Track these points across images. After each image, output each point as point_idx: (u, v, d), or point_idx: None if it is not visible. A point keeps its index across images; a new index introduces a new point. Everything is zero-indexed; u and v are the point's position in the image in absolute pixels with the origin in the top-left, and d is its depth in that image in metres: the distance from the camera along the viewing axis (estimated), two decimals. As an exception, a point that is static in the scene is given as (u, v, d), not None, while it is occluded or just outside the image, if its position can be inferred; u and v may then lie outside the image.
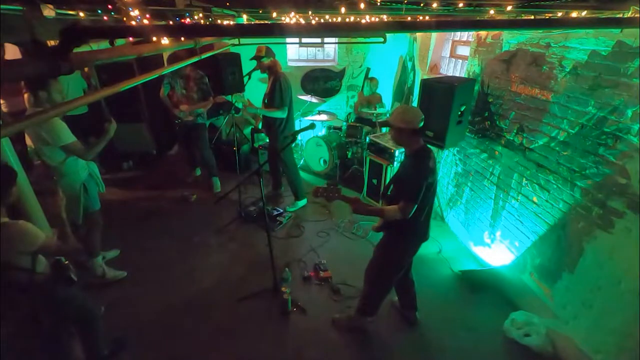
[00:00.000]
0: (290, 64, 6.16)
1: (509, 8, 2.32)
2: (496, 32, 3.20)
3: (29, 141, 3.83)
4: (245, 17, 3.71)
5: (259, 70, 3.66)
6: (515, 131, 2.96)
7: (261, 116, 3.76)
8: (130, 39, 2.97)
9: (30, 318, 1.93)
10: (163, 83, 4.05)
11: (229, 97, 4.61)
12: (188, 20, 3.00)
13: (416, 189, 1.99)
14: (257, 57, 3.57)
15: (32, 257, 1.77)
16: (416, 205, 2.00)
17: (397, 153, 3.79)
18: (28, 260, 1.75)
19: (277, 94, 3.59)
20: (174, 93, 4.09)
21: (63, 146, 2.42)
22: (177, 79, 4.03)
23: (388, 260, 2.33)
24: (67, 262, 1.93)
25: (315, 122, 3.25)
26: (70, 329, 2.14)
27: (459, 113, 3.10)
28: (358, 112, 5.28)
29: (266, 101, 3.73)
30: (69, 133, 2.45)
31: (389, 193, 2.26)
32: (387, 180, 2.28)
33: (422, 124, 2.02)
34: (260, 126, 3.82)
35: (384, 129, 4.87)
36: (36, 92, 2.31)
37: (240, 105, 4.22)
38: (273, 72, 3.65)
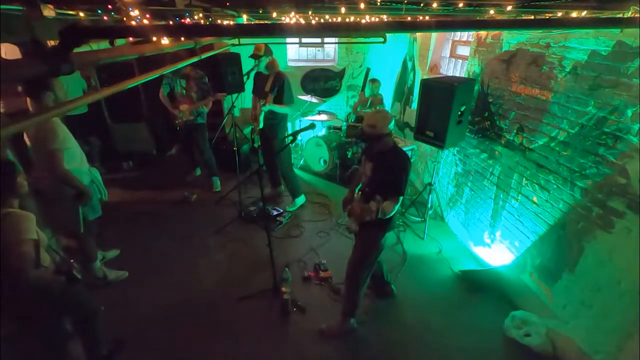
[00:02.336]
0: (290, 64, 6.16)
1: (509, 8, 2.32)
2: (496, 32, 3.20)
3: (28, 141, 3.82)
4: (245, 17, 3.71)
5: (256, 66, 3.67)
6: (515, 131, 2.96)
7: (263, 115, 3.76)
8: (130, 39, 2.96)
9: (29, 317, 1.91)
10: (162, 83, 4.05)
11: (228, 97, 4.61)
12: (188, 20, 3.00)
13: (404, 182, 2.19)
14: (255, 56, 3.58)
15: (36, 250, 1.75)
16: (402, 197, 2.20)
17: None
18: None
19: (286, 91, 3.66)
20: (174, 93, 4.09)
21: (55, 149, 2.31)
22: (177, 79, 4.03)
23: (368, 256, 2.42)
24: (71, 260, 1.92)
25: (315, 122, 3.25)
26: (67, 328, 2.14)
27: (459, 113, 3.10)
28: (357, 112, 5.28)
29: (269, 100, 3.73)
30: (72, 139, 2.40)
31: (370, 190, 2.31)
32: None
33: (393, 124, 2.21)
34: (261, 126, 3.82)
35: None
36: (38, 95, 2.25)
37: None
38: (275, 71, 3.68)
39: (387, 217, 2.18)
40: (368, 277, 2.50)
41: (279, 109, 3.74)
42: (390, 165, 2.20)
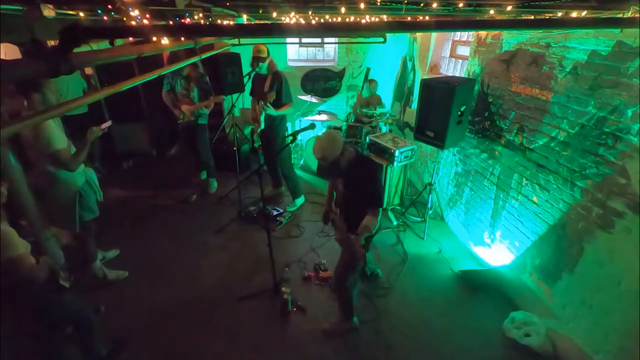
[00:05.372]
0: (290, 64, 6.16)
1: (509, 8, 2.32)
2: (496, 32, 3.20)
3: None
4: (245, 17, 3.71)
5: (258, 69, 3.66)
6: (515, 131, 2.96)
7: (263, 116, 3.76)
8: (130, 39, 2.97)
9: (22, 324, 1.89)
10: (163, 83, 4.04)
11: (228, 97, 4.61)
12: (188, 20, 3.00)
13: (379, 192, 2.14)
14: (260, 59, 3.57)
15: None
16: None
17: (397, 153, 3.79)
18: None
19: (284, 90, 3.65)
20: (174, 93, 4.08)
21: (52, 153, 2.30)
22: (177, 79, 4.02)
23: (355, 261, 2.35)
24: (57, 268, 1.89)
25: (315, 122, 3.25)
26: (63, 334, 2.12)
27: (459, 113, 3.09)
28: (357, 113, 5.29)
29: (270, 99, 3.72)
30: (62, 138, 2.36)
31: (349, 205, 2.30)
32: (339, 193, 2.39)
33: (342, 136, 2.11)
34: (262, 127, 3.82)
35: (389, 123, 4.87)
36: (29, 95, 2.23)
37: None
38: (273, 71, 3.67)
39: (375, 230, 2.14)
40: (357, 278, 2.48)
41: (279, 112, 3.73)
42: (360, 177, 2.12)
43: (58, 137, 2.34)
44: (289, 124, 4.67)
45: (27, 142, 2.31)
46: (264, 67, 3.61)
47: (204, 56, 2.64)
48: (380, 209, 2.13)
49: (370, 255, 2.98)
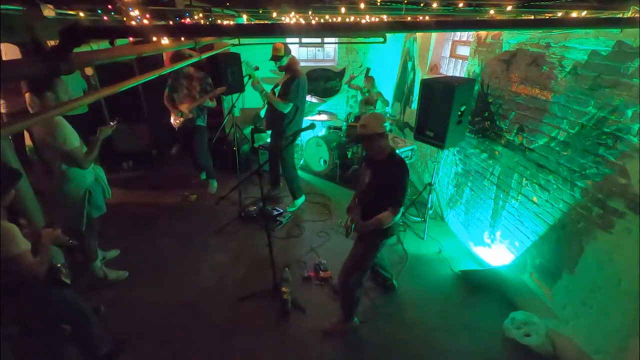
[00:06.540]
0: (290, 64, 6.16)
1: (509, 8, 2.32)
2: (496, 32, 3.20)
3: (27, 140, 3.82)
4: (245, 17, 3.71)
5: (278, 68, 3.62)
6: (515, 131, 2.96)
7: (266, 103, 3.73)
8: (130, 39, 2.96)
9: (22, 321, 1.89)
10: (167, 85, 4.02)
11: (228, 97, 4.60)
12: (188, 20, 3.00)
13: (403, 193, 2.17)
14: (276, 58, 3.55)
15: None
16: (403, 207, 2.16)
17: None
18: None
19: (288, 89, 3.58)
20: (176, 94, 4.05)
21: (67, 151, 2.33)
22: (181, 79, 4.00)
23: (365, 262, 2.41)
24: (59, 264, 1.90)
25: (315, 122, 3.25)
26: (61, 332, 2.12)
27: (459, 113, 3.10)
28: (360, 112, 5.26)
29: (275, 91, 3.71)
30: (76, 136, 2.38)
31: (368, 198, 2.33)
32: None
33: (388, 126, 2.17)
34: (263, 113, 3.78)
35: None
36: (42, 93, 2.25)
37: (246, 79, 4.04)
38: (291, 70, 3.63)
39: (386, 227, 2.18)
40: (364, 279, 2.49)
41: (271, 98, 3.67)
42: (388, 175, 2.17)
43: (73, 135, 2.37)
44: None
45: (43, 141, 2.33)
46: (282, 64, 3.58)
47: (204, 56, 2.64)
48: (401, 210, 2.16)
49: (387, 263, 2.98)
